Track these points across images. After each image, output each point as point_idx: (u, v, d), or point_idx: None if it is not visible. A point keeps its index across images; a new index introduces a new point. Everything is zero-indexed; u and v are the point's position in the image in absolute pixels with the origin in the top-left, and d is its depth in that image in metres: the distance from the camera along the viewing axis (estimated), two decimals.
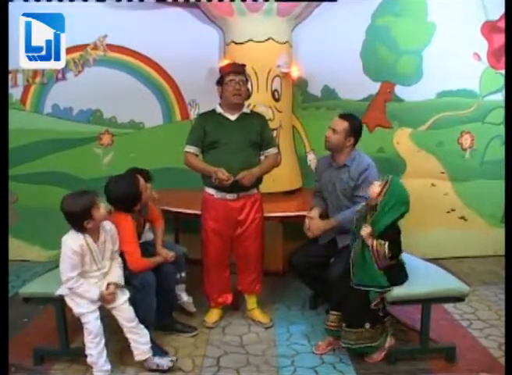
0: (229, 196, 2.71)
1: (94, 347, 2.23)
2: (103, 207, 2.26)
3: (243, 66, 2.78)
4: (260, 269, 2.93)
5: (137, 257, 2.44)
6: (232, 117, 2.74)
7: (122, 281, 2.35)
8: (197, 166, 2.74)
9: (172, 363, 2.37)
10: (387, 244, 2.25)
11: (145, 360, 2.35)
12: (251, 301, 2.95)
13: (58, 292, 2.31)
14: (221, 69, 2.81)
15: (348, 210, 2.65)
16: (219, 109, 2.76)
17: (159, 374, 2.36)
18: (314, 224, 2.72)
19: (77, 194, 2.24)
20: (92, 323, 2.22)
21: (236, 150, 2.66)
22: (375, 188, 2.31)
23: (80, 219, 2.18)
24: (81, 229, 2.21)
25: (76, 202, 2.18)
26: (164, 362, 2.36)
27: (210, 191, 2.75)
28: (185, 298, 2.94)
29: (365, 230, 2.29)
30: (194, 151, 2.75)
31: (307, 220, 2.76)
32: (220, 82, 2.73)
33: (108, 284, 2.29)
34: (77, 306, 2.25)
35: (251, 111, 2.90)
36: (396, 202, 2.27)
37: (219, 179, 2.56)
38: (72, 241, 2.20)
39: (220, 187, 2.66)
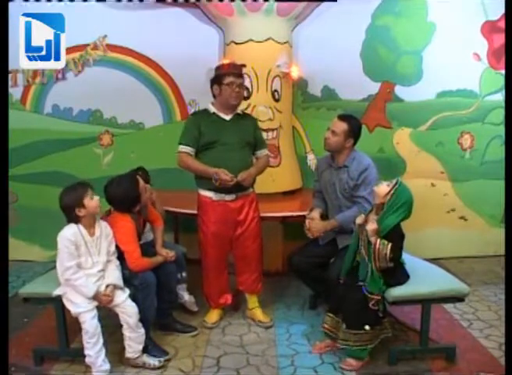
0: (228, 197, 2.70)
1: (92, 347, 2.23)
2: (96, 199, 2.30)
3: (242, 67, 2.76)
4: (261, 268, 2.93)
5: (137, 257, 2.44)
6: (227, 117, 2.73)
7: (120, 283, 2.36)
8: (195, 167, 2.69)
9: (160, 363, 2.39)
10: (390, 245, 2.24)
11: (135, 357, 2.38)
12: (252, 301, 2.95)
13: (56, 292, 2.32)
14: (219, 68, 2.76)
15: (348, 210, 2.65)
16: (213, 109, 2.73)
17: (159, 373, 2.36)
18: (315, 225, 2.72)
19: (72, 185, 2.33)
20: (89, 323, 2.23)
21: (233, 150, 2.66)
22: (383, 188, 2.30)
23: (72, 207, 2.26)
24: (74, 218, 2.27)
25: (69, 191, 2.28)
26: (151, 361, 2.39)
27: (207, 193, 2.73)
28: (186, 297, 2.95)
29: (371, 226, 2.27)
30: (189, 152, 2.70)
31: (307, 221, 2.76)
32: (218, 81, 2.68)
33: (107, 286, 2.30)
34: (74, 306, 2.26)
35: (243, 112, 2.89)
36: (403, 204, 2.27)
37: (222, 180, 2.55)
38: (66, 231, 2.27)
39: (218, 189, 2.65)
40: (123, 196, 2.44)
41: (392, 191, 2.27)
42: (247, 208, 2.77)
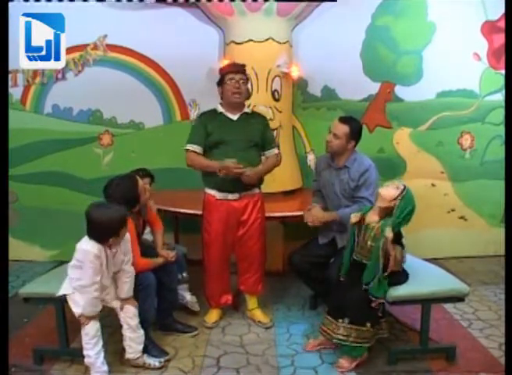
0: (231, 196, 2.70)
1: (92, 348, 2.22)
2: (127, 227, 2.25)
3: (243, 65, 2.77)
4: (262, 269, 2.93)
5: (137, 257, 2.44)
6: (234, 117, 2.73)
7: (131, 294, 2.34)
8: (199, 162, 2.69)
9: (160, 364, 2.39)
10: (402, 250, 2.26)
11: (136, 357, 2.38)
12: (252, 302, 2.95)
13: (61, 292, 2.28)
14: (221, 70, 2.80)
15: (349, 207, 2.66)
16: (220, 109, 2.74)
17: (159, 373, 2.36)
18: (315, 212, 2.73)
19: (115, 208, 2.21)
20: (91, 324, 2.22)
21: (238, 150, 2.65)
22: (391, 192, 2.30)
23: (108, 234, 2.16)
24: (102, 241, 2.18)
25: (112, 217, 2.16)
26: (151, 361, 2.39)
27: (212, 192, 2.73)
28: (188, 297, 2.95)
29: (389, 234, 2.23)
30: (196, 150, 2.70)
31: (309, 208, 2.77)
32: (220, 82, 2.72)
33: (121, 300, 2.30)
34: (79, 307, 2.22)
35: (252, 111, 2.89)
36: (410, 210, 2.28)
37: (228, 168, 2.51)
38: (92, 247, 2.16)
39: (221, 188, 2.66)
40: (122, 196, 2.42)
41: (400, 198, 2.27)
42: (251, 208, 2.76)
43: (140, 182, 2.55)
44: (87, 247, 2.17)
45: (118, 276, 2.31)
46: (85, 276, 2.16)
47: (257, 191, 2.80)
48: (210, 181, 2.71)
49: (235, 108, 2.72)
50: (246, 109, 2.78)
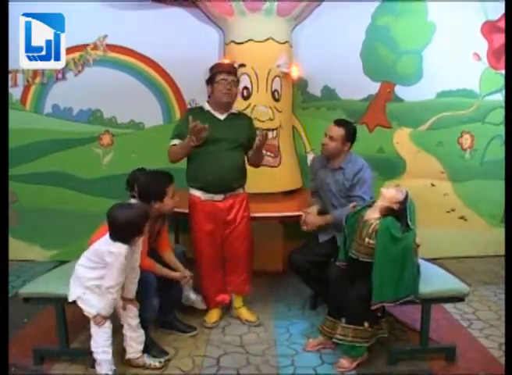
0: (216, 197, 2.70)
1: (109, 345, 2.21)
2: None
3: (235, 67, 2.76)
4: (249, 269, 2.92)
5: (143, 256, 2.41)
6: (221, 116, 2.72)
7: (134, 295, 2.34)
8: (175, 150, 2.67)
9: (161, 364, 2.39)
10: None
11: (136, 357, 2.37)
12: (238, 300, 2.95)
13: (72, 297, 2.24)
14: (212, 68, 2.77)
15: (345, 208, 2.67)
16: (208, 107, 2.73)
17: (159, 373, 2.36)
18: (310, 218, 2.76)
19: (135, 206, 2.24)
20: (108, 323, 2.21)
21: (224, 150, 2.65)
22: (392, 192, 2.34)
23: (134, 233, 2.17)
24: (128, 241, 2.17)
25: (136, 215, 2.17)
26: (152, 361, 2.39)
27: (196, 193, 2.73)
28: (193, 296, 2.89)
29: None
30: (176, 144, 2.69)
31: (303, 214, 2.79)
32: (210, 80, 2.70)
33: (125, 300, 2.29)
34: (91, 307, 2.20)
35: (239, 112, 2.88)
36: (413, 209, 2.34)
37: (192, 130, 2.46)
38: (120, 248, 2.14)
39: (206, 189, 2.67)
40: (148, 185, 2.43)
41: (407, 205, 2.31)
42: (237, 208, 2.76)
43: (173, 185, 2.52)
44: (115, 249, 2.13)
45: (127, 276, 2.29)
46: (111, 278, 2.14)
47: (241, 191, 2.80)
48: (195, 182, 2.71)
49: (223, 107, 2.71)
50: (233, 110, 2.78)
